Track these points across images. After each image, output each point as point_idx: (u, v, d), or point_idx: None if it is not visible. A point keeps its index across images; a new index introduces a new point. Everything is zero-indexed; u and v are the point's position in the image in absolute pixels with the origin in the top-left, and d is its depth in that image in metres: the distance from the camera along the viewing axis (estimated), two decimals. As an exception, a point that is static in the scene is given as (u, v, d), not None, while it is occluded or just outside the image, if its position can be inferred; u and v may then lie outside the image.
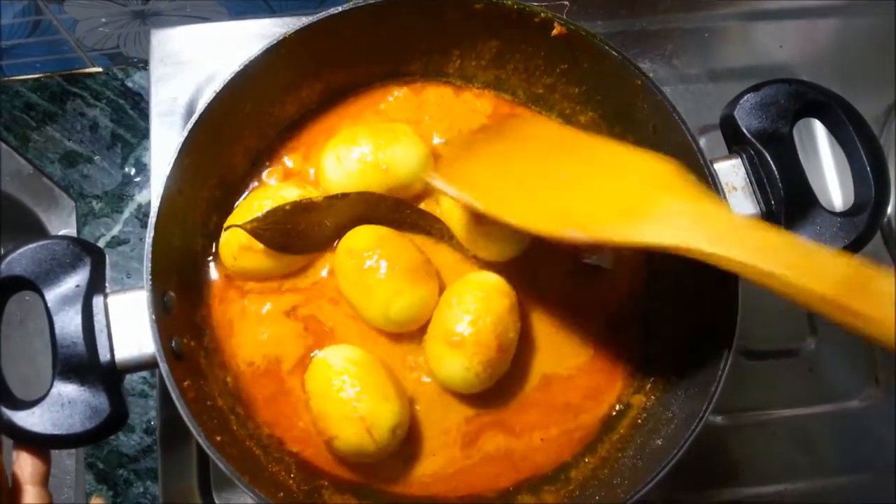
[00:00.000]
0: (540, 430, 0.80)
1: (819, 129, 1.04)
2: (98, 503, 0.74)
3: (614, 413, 0.81)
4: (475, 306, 0.75)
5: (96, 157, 1.08)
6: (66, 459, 1.06)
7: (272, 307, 0.81)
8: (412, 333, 0.80)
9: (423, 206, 0.84)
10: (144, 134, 1.08)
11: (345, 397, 0.72)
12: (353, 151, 0.80)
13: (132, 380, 0.99)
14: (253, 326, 0.80)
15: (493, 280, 0.78)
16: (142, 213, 1.06)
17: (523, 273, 0.81)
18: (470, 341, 0.74)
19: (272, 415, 0.78)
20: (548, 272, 0.83)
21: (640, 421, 0.79)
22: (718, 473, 0.93)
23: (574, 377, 0.81)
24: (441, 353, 0.76)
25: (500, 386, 0.78)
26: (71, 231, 1.06)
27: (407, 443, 0.77)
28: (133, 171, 1.08)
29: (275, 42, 0.77)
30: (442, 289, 0.80)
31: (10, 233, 1.10)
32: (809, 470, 0.94)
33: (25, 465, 0.67)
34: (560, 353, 0.82)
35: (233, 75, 0.76)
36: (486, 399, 0.79)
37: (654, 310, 0.83)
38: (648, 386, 0.81)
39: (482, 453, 0.79)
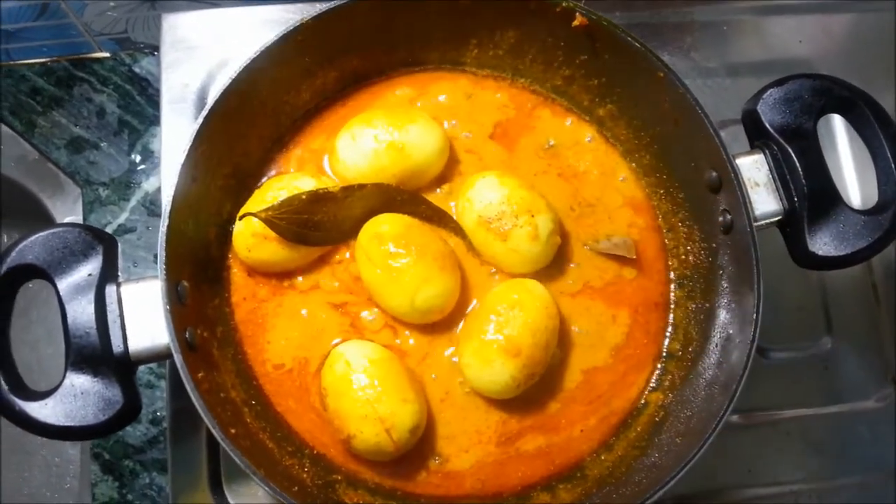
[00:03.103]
0: (580, 423, 0.79)
1: (838, 125, 1.03)
2: None
3: (639, 405, 0.80)
4: (528, 317, 0.74)
5: (103, 144, 1.06)
6: (70, 449, 1.05)
7: (303, 302, 0.80)
8: (440, 329, 0.79)
9: (437, 199, 0.83)
10: (152, 120, 1.07)
11: (364, 397, 0.71)
12: (368, 131, 0.79)
13: (139, 370, 0.97)
14: (284, 323, 0.79)
15: (540, 291, 0.77)
16: (148, 202, 1.05)
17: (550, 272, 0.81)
18: (525, 353, 0.73)
19: (288, 408, 0.77)
20: (571, 270, 0.83)
21: (657, 419, 0.78)
22: (732, 473, 0.92)
23: (609, 366, 0.81)
24: (485, 360, 0.74)
25: (537, 388, 0.78)
26: (77, 218, 1.05)
27: (426, 441, 0.76)
28: (139, 159, 1.06)
29: (291, 28, 0.76)
30: (463, 282, 0.79)
31: (14, 219, 1.09)
32: (823, 470, 0.94)
33: None
34: (594, 347, 0.81)
35: (249, 61, 0.74)
36: (523, 402, 0.78)
37: (678, 303, 0.83)
38: (667, 383, 0.80)
39: (520, 452, 0.78)
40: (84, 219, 1.04)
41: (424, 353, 0.79)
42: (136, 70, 1.09)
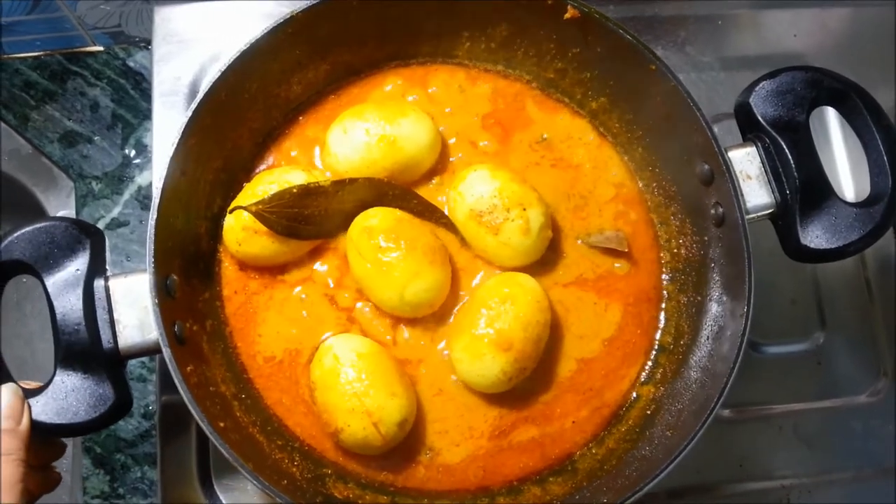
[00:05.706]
0: (573, 413, 0.79)
1: (832, 118, 1.03)
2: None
3: (630, 398, 0.80)
4: (519, 311, 0.74)
5: (96, 138, 1.06)
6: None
7: (294, 295, 0.80)
8: (434, 323, 0.79)
9: (429, 191, 0.82)
10: (145, 115, 1.06)
11: (351, 391, 0.71)
12: (359, 124, 0.79)
13: (130, 364, 0.97)
14: (275, 316, 0.79)
15: (532, 285, 0.77)
16: (142, 196, 1.05)
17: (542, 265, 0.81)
18: (517, 347, 0.73)
19: (279, 402, 0.77)
20: (563, 263, 0.83)
21: (648, 412, 0.78)
22: (724, 467, 0.92)
23: (602, 357, 0.81)
24: (476, 354, 0.74)
25: (532, 379, 0.78)
26: (70, 212, 1.05)
27: (417, 435, 0.76)
28: (133, 153, 1.06)
29: (282, 20, 0.76)
30: (455, 276, 0.79)
31: (7, 213, 1.09)
32: (815, 465, 0.94)
33: None
34: (586, 338, 0.81)
35: (239, 53, 0.74)
36: (517, 395, 0.78)
37: (670, 296, 0.83)
38: (658, 376, 0.80)
39: (513, 444, 0.78)
40: (77, 213, 1.04)
41: (419, 348, 0.79)
42: (130, 64, 1.09)
